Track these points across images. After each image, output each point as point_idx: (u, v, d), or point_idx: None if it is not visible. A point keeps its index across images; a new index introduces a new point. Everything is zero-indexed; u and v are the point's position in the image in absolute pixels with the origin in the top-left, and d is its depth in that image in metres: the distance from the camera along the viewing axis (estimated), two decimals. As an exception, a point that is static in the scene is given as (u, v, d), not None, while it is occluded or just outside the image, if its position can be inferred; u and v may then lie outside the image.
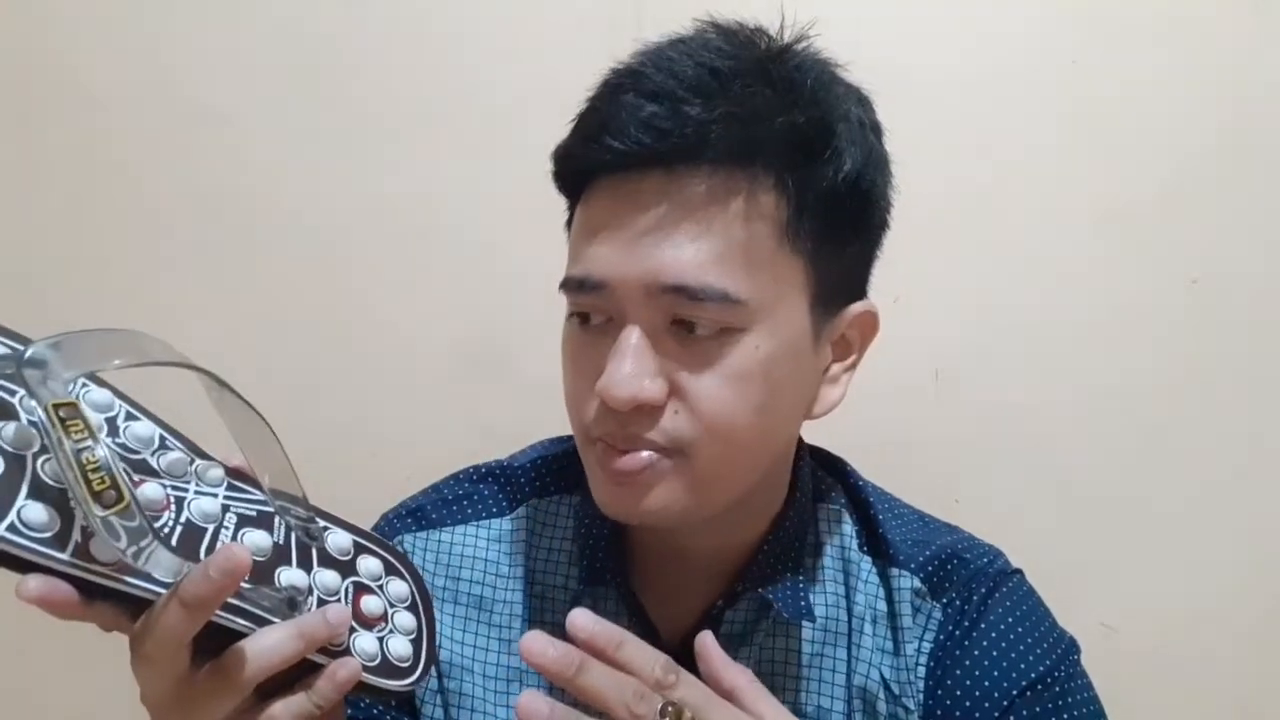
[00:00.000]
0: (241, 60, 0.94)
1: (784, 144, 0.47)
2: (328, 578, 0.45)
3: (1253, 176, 0.87)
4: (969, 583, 0.57)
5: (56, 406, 0.35)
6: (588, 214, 0.50)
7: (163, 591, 0.37)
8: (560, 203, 0.54)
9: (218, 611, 0.38)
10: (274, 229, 0.95)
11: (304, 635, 0.40)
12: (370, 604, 0.46)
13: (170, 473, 0.42)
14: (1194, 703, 0.91)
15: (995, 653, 0.54)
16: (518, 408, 0.85)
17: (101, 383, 0.43)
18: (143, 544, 0.36)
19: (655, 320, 0.47)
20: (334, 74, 0.93)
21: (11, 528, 0.34)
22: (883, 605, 0.57)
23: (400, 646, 0.46)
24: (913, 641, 0.56)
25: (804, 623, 0.56)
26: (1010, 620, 0.56)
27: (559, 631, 0.41)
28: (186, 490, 0.42)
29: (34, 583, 0.34)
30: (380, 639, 0.45)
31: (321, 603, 0.44)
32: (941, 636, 0.56)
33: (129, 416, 0.43)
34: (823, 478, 0.62)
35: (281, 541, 0.44)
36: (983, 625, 0.55)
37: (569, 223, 0.54)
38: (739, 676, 0.45)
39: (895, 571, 0.57)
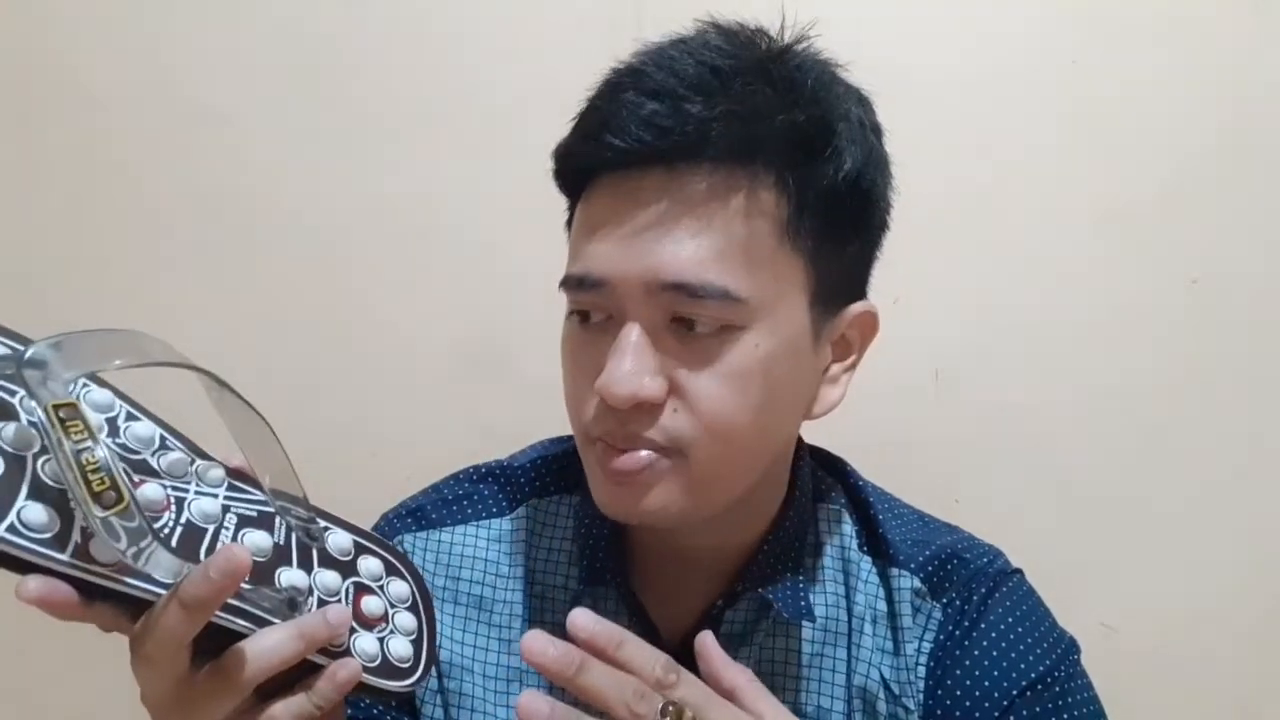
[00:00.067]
0: (241, 60, 0.94)
1: (784, 142, 0.47)
2: (328, 578, 0.45)
3: (1253, 176, 0.87)
4: (969, 583, 0.57)
5: (56, 407, 0.35)
6: (588, 212, 0.50)
7: (163, 592, 0.37)
8: (560, 203, 0.55)
9: (218, 612, 0.38)
10: (274, 229, 0.95)
11: (304, 636, 0.40)
12: (371, 604, 0.46)
13: (170, 473, 0.42)
14: (1194, 703, 0.91)
15: (995, 653, 0.54)
16: (518, 408, 0.85)
17: (102, 383, 0.43)
18: (142, 545, 0.36)
19: (655, 318, 0.47)
20: (334, 74, 0.93)
21: (11, 528, 0.34)
22: (883, 605, 0.57)
23: (401, 647, 0.46)
24: (913, 641, 0.56)
25: (804, 623, 0.56)
26: (1010, 620, 0.56)
27: (559, 631, 0.41)
28: (187, 491, 0.42)
29: (34, 583, 0.34)
30: (381, 639, 0.45)
31: (322, 603, 0.44)
32: (941, 636, 0.55)
33: (129, 417, 0.43)
34: (823, 478, 0.62)
35: (282, 542, 0.44)
36: (983, 625, 0.55)
37: (569, 222, 0.54)
38: (739, 676, 0.45)
39: (895, 571, 0.57)
